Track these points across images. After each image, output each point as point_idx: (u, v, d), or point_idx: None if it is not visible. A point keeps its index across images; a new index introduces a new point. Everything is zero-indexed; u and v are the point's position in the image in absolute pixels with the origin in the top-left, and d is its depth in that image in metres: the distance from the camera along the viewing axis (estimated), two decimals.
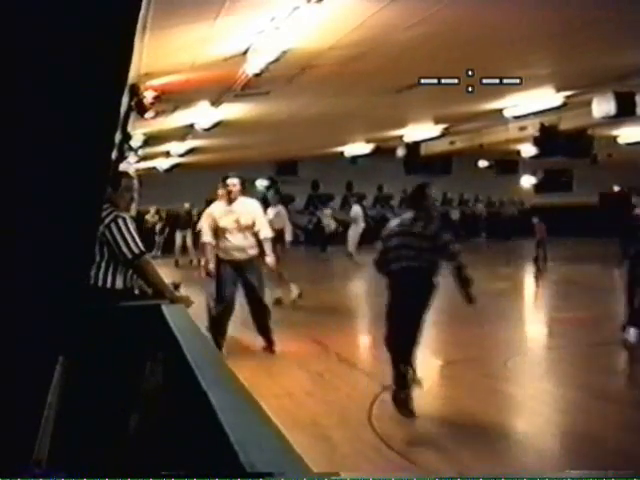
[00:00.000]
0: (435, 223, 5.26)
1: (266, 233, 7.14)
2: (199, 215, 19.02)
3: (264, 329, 7.16)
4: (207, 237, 7.05)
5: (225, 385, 1.91)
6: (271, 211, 10.04)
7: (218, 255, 7.04)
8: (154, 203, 19.17)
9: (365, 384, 6.11)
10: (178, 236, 18.52)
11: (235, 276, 7.02)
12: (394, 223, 5.43)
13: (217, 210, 7.12)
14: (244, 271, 7.01)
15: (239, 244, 6.97)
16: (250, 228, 7.00)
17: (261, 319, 7.15)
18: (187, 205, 19.12)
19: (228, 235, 6.96)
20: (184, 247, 18.37)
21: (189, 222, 18.23)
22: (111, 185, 4.04)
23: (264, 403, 1.79)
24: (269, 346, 7.14)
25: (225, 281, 6.99)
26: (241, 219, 6.96)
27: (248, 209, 7.09)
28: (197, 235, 17.93)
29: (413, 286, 5.10)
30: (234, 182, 7.03)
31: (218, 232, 6.98)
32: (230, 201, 7.01)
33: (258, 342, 7.24)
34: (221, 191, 7.25)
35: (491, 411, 5.20)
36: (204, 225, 7.14)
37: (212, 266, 6.99)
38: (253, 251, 7.09)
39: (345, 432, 4.75)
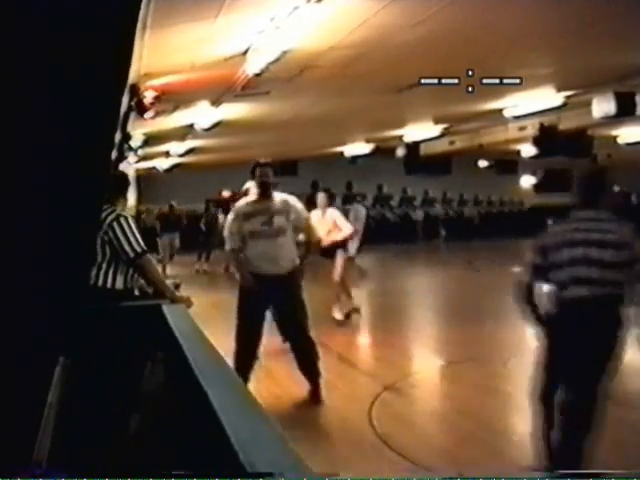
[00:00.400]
0: (623, 225, 3.58)
1: (311, 235, 5.71)
2: (193, 216, 18.62)
3: (309, 369, 5.48)
4: (231, 243, 5.48)
5: (225, 385, 1.91)
6: (318, 215, 8.33)
7: (244, 266, 5.49)
8: (153, 203, 19.10)
9: (365, 384, 6.11)
10: (166, 240, 15.66)
11: (265, 296, 5.33)
12: (561, 227, 3.68)
13: (244, 208, 5.45)
14: (276, 291, 5.30)
15: (270, 253, 5.30)
16: (285, 232, 5.34)
17: (303, 356, 5.47)
18: (174, 203, 16.73)
19: (256, 241, 5.32)
20: (171, 255, 15.82)
21: (177, 223, 16.42)
22: (137, 190, 4.26)
23: (264, 403, 1.79)
24: (314, 391, 5.49)
25: (250, 302, 5.35)
26: (274, 220, 5.32)
27: (284, 207, 5.41)
28: (188, 235, 17.48)
29: (595, 324, 3.42)
30: (269, 172, 5.40)
31: (245, 237, 5.38)
32: (263, 196, 5.39)
33: (298, 387, 5.66)
34: (250, 187, 5.87)
35: (491, 411, 5.20)
36: (226, 228, 5.61)
37: (247, 275, 5.42)
38: (289, 263, 5.37)
39: (345, 432, 4.75)
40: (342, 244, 8.84)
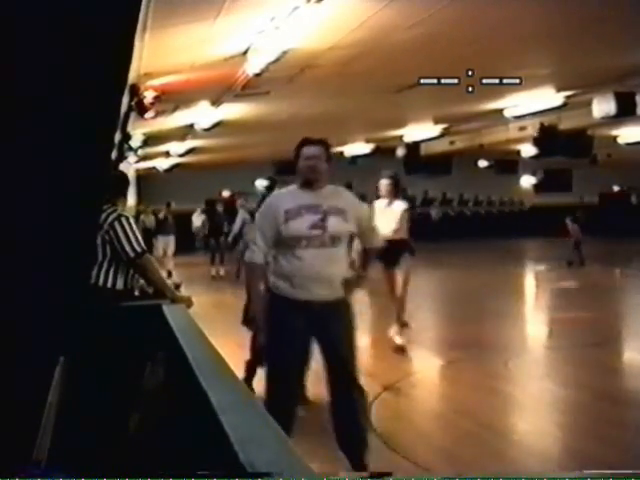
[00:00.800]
0: None
1: (375, 241, 4.02)
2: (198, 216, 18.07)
3: (352, 436, 3.72)
4: (257, 252, 3.68)
5: (225, 385, 1.91)
6: (381, 206, 6.64)
7: (274, 288, 3.71)
8: (154, 203, 19.00)
9: (365, 384, 6.10)
10: (160, 242, 13.99)
11: (307, 332, 3.69)
12: None
13: (284, 202, 3.70)
14: (324, 323, 3.69)
15: (321, 270, 3.63)
16: (340, 240, 3.68)
17: (347, 417, 3.73)
18: (172, 202, 15.16)
19: (301, 251, 3.61)
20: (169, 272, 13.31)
21: (174, 225, 14.63)
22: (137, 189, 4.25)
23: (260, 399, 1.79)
24: (358, 465, 3.62)
25: (287, 340, 3.65)
26: (329, 222, 3.63)
27: (341, 203, 3.73)
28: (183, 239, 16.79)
29: None
30: (321, 153, 3.72)
31: (282, 244, 3.66)
32: (310, 186, 3.70)
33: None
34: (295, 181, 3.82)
35: (491, 411, 5.20)
36: (255, 229, 3.82)
37: (261, 304, 3.72)
38: (340, 286, 3.72)
39: None
40: (407, 245, 6.86)
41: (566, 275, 14.28)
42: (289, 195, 3.78)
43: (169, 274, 12.98)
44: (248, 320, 3.77)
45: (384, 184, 6.75)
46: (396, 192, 6.78)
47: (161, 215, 14.62)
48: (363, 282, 3.99)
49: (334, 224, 3.65)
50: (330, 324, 3.72)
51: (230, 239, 14.41)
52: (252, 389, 4.77)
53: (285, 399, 3.65)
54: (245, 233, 14.44)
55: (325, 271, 3.65)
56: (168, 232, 14.21)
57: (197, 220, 17.86)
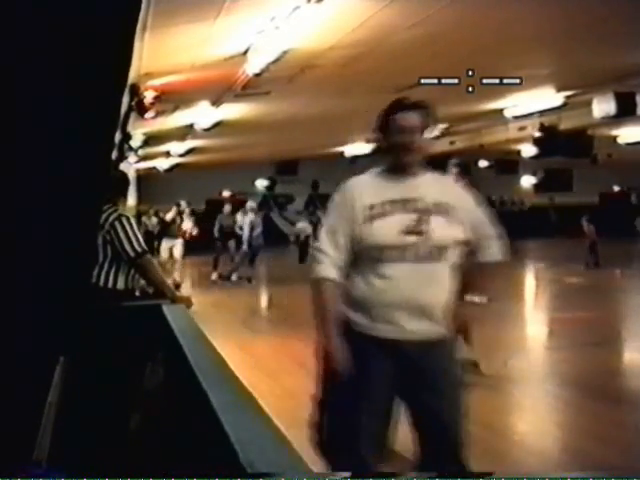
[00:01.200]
0: None
1: (496, 253, 2.87)
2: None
3: None
4: (327, 267, 2.56)
5: (225, 385, 1.91)
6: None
7: (349, 319, 2.58)
8: (157, 203, 18.95)
9: None
10: (164, 246, 12.91)
11: (393, 385, 2.61)
12: None
13: (366, 195, 2.60)
14: (419, 373, 2.60)
15: (419, 295, 2.54)
16: (446, 250, 2.59)
17: None
18: (182, 202, 13.79)
19: (388, 266, 2.53)
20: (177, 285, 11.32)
21: (180, 227, 13.36)
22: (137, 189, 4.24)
23: (264, 403, 1.79)
24: None
25: (364, 395, 2.58)
26: (431, 225, 2.56)
27: (448, 198, 2.67)
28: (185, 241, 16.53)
29: None
30: (417, 122, 2.61)
31: (359, 255, 2.57)
32: (402, 171, 2.66)
33: None
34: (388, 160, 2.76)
35: (491, 411, 5.19)
36: (325, 232, 2.63)
37: (339, 344, 2.50)
38: (443, 317, 2.60)
39: None
40: None
41: (566, 275, 14.28)
42: (371, 184, 2.66)
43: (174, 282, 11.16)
44: (329, 359, 2.52)
45: (453, 173, 5.49)
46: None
47: (169, 216, 13.37)
48: (474, 312, 2.93)
49: (438, 228, 2.56)
50: (428, 375, 2.59)
51: (246, 246, 14.38)
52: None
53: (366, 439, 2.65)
54: (255, 237, 14.38)
55: (423, 296, 2.54)
56: (176, 235, 12.98)
57: (186, 221, 17.37)
